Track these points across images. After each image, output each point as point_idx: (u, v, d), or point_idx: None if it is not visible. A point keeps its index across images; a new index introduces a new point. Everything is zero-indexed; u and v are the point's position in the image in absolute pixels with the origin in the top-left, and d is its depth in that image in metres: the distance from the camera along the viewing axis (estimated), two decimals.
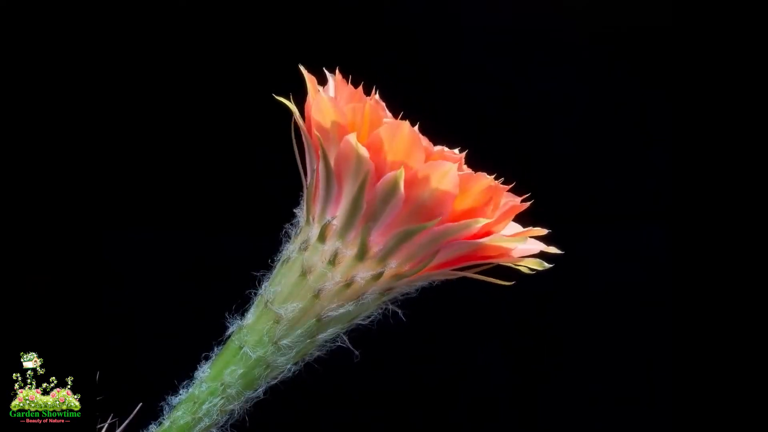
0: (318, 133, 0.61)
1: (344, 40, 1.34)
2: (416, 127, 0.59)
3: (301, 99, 0.64)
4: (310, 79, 0.62)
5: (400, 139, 0.58)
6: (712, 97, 1.26)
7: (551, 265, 0.62)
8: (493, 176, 0.60)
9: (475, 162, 0.65)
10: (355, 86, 0.62)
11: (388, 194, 0.59)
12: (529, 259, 0.63)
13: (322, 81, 0.63)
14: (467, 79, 1.38)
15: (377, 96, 0.61)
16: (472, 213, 0.60)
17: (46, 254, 1.30)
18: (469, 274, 0.64)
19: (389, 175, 0.58)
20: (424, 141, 0.60)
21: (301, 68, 0.63)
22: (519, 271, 0.63)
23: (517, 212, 0.62)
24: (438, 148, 0.61)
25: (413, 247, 0.61)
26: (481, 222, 0.59)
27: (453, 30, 1.38)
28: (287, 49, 1.32)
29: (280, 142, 0.64)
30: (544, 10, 1.37)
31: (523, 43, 1.37)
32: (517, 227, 0.63)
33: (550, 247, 0.63)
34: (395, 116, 0.61)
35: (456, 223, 0.59)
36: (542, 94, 1.38)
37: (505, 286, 0.63)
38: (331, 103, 0.60)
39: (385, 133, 0.58)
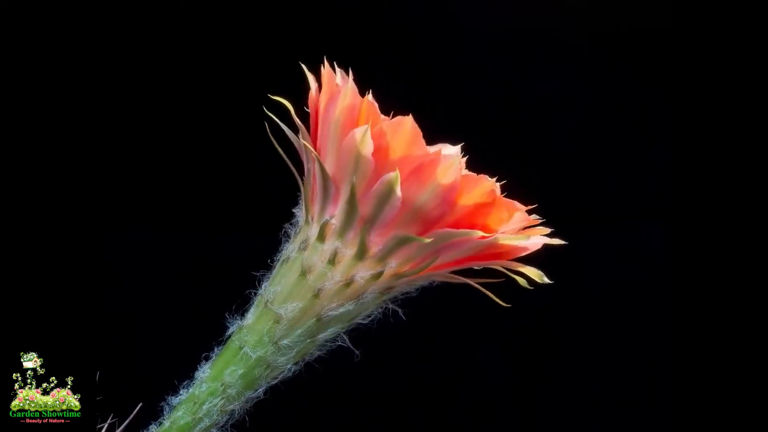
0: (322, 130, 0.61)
1: (344, 40, 1.34)
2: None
3: (298, 98, 0.64)
4: (329, 75, 0.62)
5: (403, 134, 0.58)
6: (712, 97, 1.26)
7: (551, 281, 0.62)
8: (495, 179, 0.60)
9: (475, 162, 0.65)
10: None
11: (385, 196, 0.59)
12: (531, 269, 0.62)
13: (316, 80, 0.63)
14: (467, 79, 1.38)
15: (370, 96, 0.61)
16: (474, 212, 0.60)
17: (46, 254, 1.30)
18: (469, 281, 0.63)
19: (385, 178, 0.58)
20: None
21: (326, 62, 0.62)
22: (518, 284, 0.63)
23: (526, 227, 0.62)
24: (436, 147, 0.61)
25: (413, 248, 0.61)
26: (479, 234, 0.59)
27: (453, 30, 1.38)
28: (287, 49, 1.32)
29: (281, 142, 0.64)
30: (544, 10, 1.37)
31: (523, 43, 1.37)
32: (521, 218, 0.62)
33: (554, 240, 0.63)
34: (387, 117, 0.61)
35: (457, 230, 0.59)
36: (542, 94, 1.38)
37: (505, 287, 0.63)
38: (352, 94, 0.59)
39: (388, 128, 0.58)
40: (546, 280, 0.62)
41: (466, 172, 0.61)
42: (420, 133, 0.58)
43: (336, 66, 0.62)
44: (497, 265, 0.62)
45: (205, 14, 1.34)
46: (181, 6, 1.34)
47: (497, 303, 0.63)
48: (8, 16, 1.28)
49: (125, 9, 1.32)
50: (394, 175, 0.58)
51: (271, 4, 1.34)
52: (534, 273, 0.62)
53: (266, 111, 0.63)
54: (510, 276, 0.63)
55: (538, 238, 0.62)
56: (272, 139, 0.64)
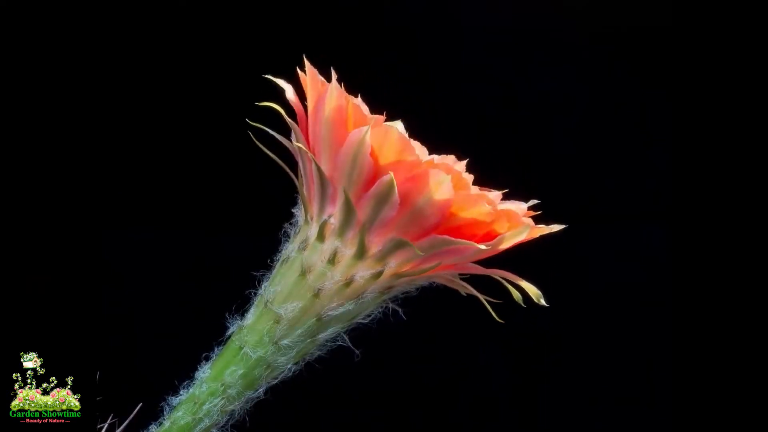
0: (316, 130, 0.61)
1: (344, 40, 1.34)
2: (405, 132, 0.58)
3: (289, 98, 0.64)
4: (312, 75, 0.62)
5: (390, 142, 0.58)
6: (712, 97, 1.26)
7: (547, 305, 0.62)
8: (500, 193, 0.60)
9: (475, 162, 0.65)
10: (347, 87, 0.61)
11: (383, 198, 0.58)
12: (530, 286, 0.62)
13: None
14: (467, 79, 1.38)
15: (356, 99, 0.60)
16: (474, 223, 0.59)
17: (46, 254, 1.30)
18: (471, 289, 0.63)
19: (384, 179, 0.58)
20: (418, 148, 0.59)
21: (307, 62, 0.62)
22: (521, 288, 0.62)
23: (535, 237, 0.62)
24: (429, 157, 0.60)
25: (411, 252, 0.60)
26: (476, 245, 0.59)
27: (453, 30, 1.38)
28: (287, 50, 1.32)
29: (275, 143, 0.64)
30: (544, 10, 1.37)
31: (523, 43, 1.37)
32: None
33: (554, 226, 0.62)
34: (381, 115, 0.60)
35: (453, 239, 0.59)
36: (542, 94, 1.38)
37: (505, 284, 0.63)
38: (337, 95, 0.59)
39: (374, 137, 0.58)
40: (543, 302, 0.62)
41: (466, 175, 0.60)
42: (407, 141, 0.57)
43: (312, 66, 0.62)
44: (498, 275, 0.62)
45: (206, 14, 1.34)
46: (181, 6, 1.34)
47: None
48: (8, 16, 1.28)
49: (126, 9, 1.32)
50: (391, 177, 0.57)
51: (271, 4, 1.34)
52: (533, 291, 0.62)
53: (249, 122, 0.63)
54: (509, 285, 0.62)
55: (539, 228, 0.62)
56: (260, 145, 0.64)
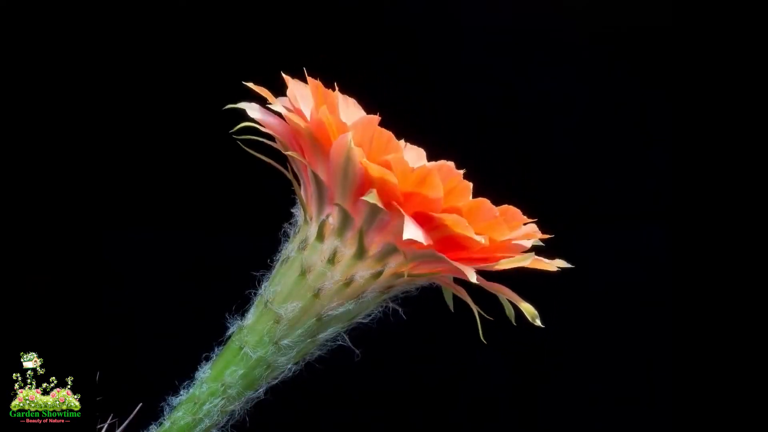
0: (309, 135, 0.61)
1: (344, 40, 1.34)
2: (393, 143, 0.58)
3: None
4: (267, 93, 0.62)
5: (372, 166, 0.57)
6: (712, 97, 1.26)
7: (542, 326, 0.62)
8: (496, 210, 0.59)
9: (475, 162, 0.65)
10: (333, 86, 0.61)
11: (374, 210, 0.58)
12: (528, 306, 0.62)
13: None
14: (467, 79, 1.38)
15: (331, 99, 0.59)
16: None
17: (46, 254, 1.30)
18: (466, 297, 0.63)
19: (367, 194, 0.57)
20: (415, 152, 0.59)
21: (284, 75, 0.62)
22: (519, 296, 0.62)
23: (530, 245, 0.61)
24: (421, 163, 0.58)
25: (410, 254, 0.60)
26: (468, 271, 0.58)
27: (453, 30, 1.38)
28: (287, 50, 1.32)
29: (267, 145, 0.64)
30: (544, 10, 1.37)
31: (523, 43, 1.37)
32: (527, 230, 0.62)
33: (558, 262, 0.62)
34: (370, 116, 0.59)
35: (449, 260, 0.58)
36: (542, 94, 1.38)
37: (501, 300, 0.62)
38: (302, 119, 0.59)
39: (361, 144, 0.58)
40: (538, 323, 0.62)
41: (464, 182, 0.60)
42: (383, 171, 0.56)
43: (265, 91, 0.62)
44: (496, 290, 0.62)
45: (206, 15, 1.34)
46: (182, 6, 1.34)
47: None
48: (8, 16, 1.28)
49: (127, 9, 1.32)
50: (373, 195, 0.57)
51: (271, 4, 1.34)
52: (530, 311, 0.62)
53: (235, 137, 0.63)
54: (504, 300, 0.62)
55: (539, 262, 0.61)
56: (258, 154, 0.64)
